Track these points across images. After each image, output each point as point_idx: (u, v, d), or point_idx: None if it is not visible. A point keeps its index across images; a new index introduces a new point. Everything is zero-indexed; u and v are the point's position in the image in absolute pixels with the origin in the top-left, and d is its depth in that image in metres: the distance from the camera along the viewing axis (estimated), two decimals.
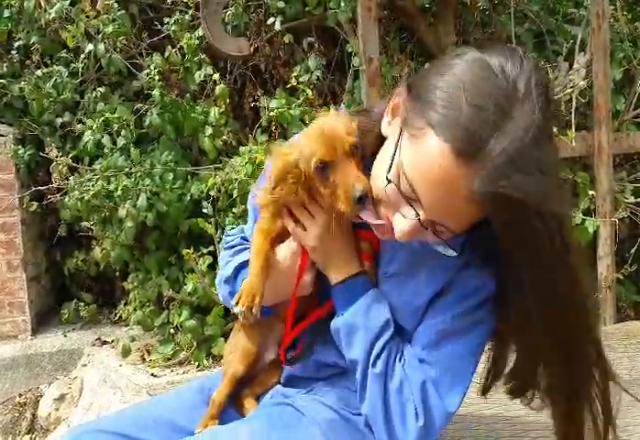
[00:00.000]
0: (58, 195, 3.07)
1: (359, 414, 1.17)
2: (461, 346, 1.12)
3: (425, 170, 0.93)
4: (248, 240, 1.35)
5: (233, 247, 1.37)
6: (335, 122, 1.09)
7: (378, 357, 1.12)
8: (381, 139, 1.08)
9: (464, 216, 0.97)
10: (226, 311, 2.68)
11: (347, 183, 1.02)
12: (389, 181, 0.98)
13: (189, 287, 2.69)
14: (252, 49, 3.22)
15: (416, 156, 0.95)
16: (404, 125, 0.98)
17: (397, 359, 1.13)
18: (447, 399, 1.10)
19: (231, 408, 1.30)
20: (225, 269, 1.30)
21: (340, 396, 1.23)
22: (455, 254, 1.03)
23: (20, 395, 3.00)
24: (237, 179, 2.74)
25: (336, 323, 1.15)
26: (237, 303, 1.11)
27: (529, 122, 0.89)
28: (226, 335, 2.65)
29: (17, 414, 2.93)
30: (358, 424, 1.18)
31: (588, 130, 2.95)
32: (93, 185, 2.93)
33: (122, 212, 2.86)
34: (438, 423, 1.10)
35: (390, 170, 0.98)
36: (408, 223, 0.99)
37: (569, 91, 2.79)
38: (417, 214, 0.97)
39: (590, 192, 2.90)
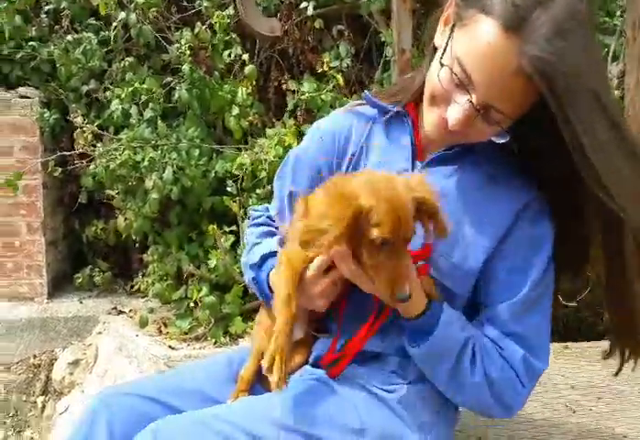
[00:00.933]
0: (84, 162, 3.12)
1: (391, 392, 1.22)
2: (543, 308, 1.20)
3: (476, 48, 1.04)
4: (273, 220, 1.40)
5: (260, 224, 1.41)
6: (402, 187, 1.04)
7: (471, 370, 1.16)
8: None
9: (515, 95, 1.05)
10: (245, 291, 2.76)
11: (395, 279, 1.04)
12: (442, 65, 1.07)
13: (212, 263, 2.75)
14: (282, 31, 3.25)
15: (467, 39, 1.06)
16: (457, 20, 1.08)
17: (489, 356, 1.17)
18: (543, 360, 1.19)
19: (259, 385, 1.33)
20: (251, 254, 1.34)
21: (372, 375, 1.24)
22: (507, 139, 1.10)
23: (35, 357, 3.09)
24: (266, 160, 2.79)
25: (411, 351, 1.18)
26: (268, 369, 1.08)
27: (573, 2, 1.00)
28: (244, 315, 2.73)
29: (32, 375, 3.02)
30: (389, 401, 1.21)
31: None
32: (119, 154, 2.97)
33: (149, 183, 2.91)
34: (536, 382, 1.21)
35: (443, 56, 1.08)
36: (462, 108, 1.08)
37: None
38: (470, 98, 1.05)
39: None
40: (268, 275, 1.26)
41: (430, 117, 1.17)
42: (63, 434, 2.61)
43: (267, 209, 1.44)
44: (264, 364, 1.08)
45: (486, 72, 1.03)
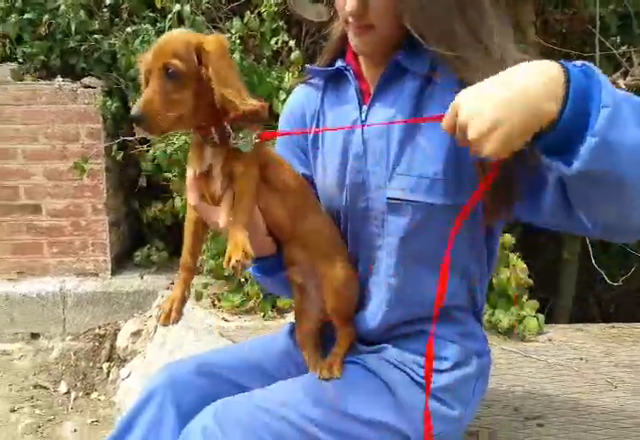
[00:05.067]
0: (143, 146, 3.32)
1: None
2: None
3: None
4: None
5: None
6: (180, 35, 1.06)
7: None
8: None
9: None
10: None
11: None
12: None
13: None
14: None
15: None
16: None
17: None
18: None
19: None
20: None
21: (410, 358, 1.27)
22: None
23: (100, 327, 3.34)
24: None
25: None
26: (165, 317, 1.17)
27: None
28: None
29: (97, 344, 3.27)
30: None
31: None
32: (176, 139, 3.16)
33: None
34: None
35: None
36: None
37: None
38: None
39: None
40: None
41: (348, 33, 1.23)
42: (128, 403, 2.84)
43: None
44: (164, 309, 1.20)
45: None
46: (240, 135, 1.12)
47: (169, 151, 3.16)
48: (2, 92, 3.42)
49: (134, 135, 3.38)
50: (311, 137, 1.38)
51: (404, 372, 1.26)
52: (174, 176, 3.27)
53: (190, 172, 1.19)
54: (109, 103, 3.43)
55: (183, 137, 3.14)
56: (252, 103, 1.10)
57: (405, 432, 1.21)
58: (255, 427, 1.12)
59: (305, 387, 1.22)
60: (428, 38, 1.12)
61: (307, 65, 1.41)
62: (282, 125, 1.45)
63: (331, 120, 1.33)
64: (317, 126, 1.36)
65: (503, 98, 0.84)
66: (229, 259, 1.05)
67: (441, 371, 1.26)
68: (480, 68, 1.06)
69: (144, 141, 3.37)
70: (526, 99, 0.83)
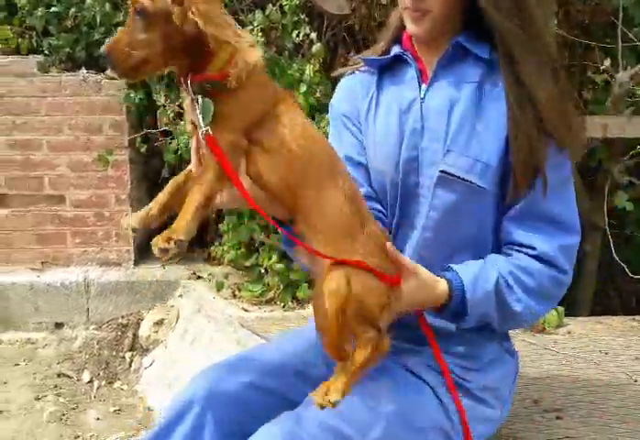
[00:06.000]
0: (167, 138, 3.36)
1: (468, 380, 1.28)
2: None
3: None
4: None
5: None
6: None
7: (516, 300, 1.25)
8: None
9: None
10: None
11: None
12: None
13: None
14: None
15: None
16: None
17: (523, 272, 1.25)
18: (574, 232, 1.27)
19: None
20: None
21: (453, 362, 1.29)
22: None
23: (123, 317, 3.39)
24: None
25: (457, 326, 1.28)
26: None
27: None
28: (309, 282, 2.92)
29: (120, 333, 3.32)
30: (469, 389, 1.27)
31: None
32: None
33: None
34: (575, 257, 1.30)
35: None
36: None
37: None
38: None
39: None
40: None
41: (405, 21, 1.29)
42: (150, 392, 2.88)
43: None
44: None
45: None
46: (200, 100, 1.08)
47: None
48: (28, 84, 3.47)
49: (156, 127, 3.42)
50: (364, 116, 1.40)
51: (412, 373, 1.29)
52: None
53: (189, 128, 1.18)
54: (133, 95, 3.46)
55: None
56: (249, 40, 1.10)
57: (453, 437, 1.24)
58: None
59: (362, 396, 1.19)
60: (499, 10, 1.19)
61: (359, 56, 1.46)
62: (340, 104, 1.46)
63: (387, 100, 1.37)
64: (370, 107, 1.39)
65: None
66: (156, 243, 1.03)
67: (482, 371, 1.30)
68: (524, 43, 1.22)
69: (166, 134, 3.40)
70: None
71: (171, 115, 3.32)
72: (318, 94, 3.28)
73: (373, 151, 1.37)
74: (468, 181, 1.24)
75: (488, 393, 1.29)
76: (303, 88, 3.24)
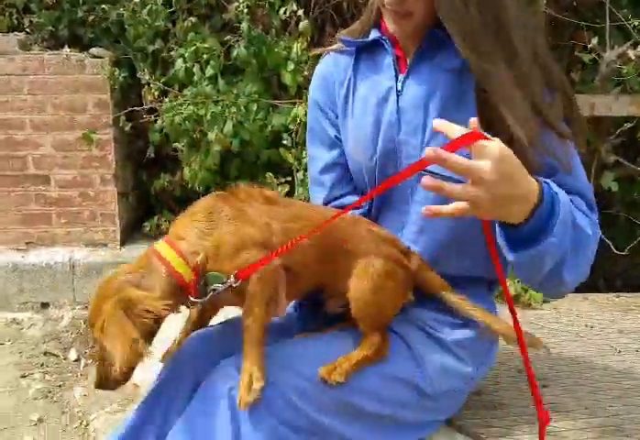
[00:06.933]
0: (152, 116, 3.33)
1: (447, 333, 1.28)
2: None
3: None
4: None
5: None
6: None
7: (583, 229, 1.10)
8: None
9: None
10: None
11: None
12: None
13: None
14: None
15: None
16: None
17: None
18: (595, 211, 1.20)
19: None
20: None
21: (429, 316, 1.30)
22: None
23: None
24: None
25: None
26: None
27: None
28: None
29: None
30: (443, 342, 1.28)
31: None
32: (184, 109, 3.16)
33: (211, 136, 3.11)
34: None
35: None
36: None
37: None
38: None
39: None
40: None
41: (385, 18, 1.25)
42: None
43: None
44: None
45: None
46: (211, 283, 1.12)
47: (177, 121, 3.17)
48: (9, 62, 3.42)
49: (141, 105, 3.38)
50: (341, 104, 1.38)
51: (423, 330, 1.29)
52: (183, 146, 3.28)
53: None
54: (117, 73, 3.42)
55: (190, 107, 3.14)
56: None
57: (422, 388, 1.24)
58: (280, 385, 1.12)
59: (329, 342, 1.23)
60: (454, 34, 1.13)
61: (339, 35, 1.40)
62: (314, 92, 1.45)
63: (364, 89, 1.33)
64: (348, 94, 1.36)
65: (514, 194, 0.96)
66: (240, 402, 1.07)
67: (456, 326, 1.30)
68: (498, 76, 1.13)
69: (151, 111, 3.37)
70: (518, 205, 0.98)
71: (156, 92, 3.29)
72: (306, 73, 3.26)
73: (352, 142, 1.35)
74: (449, 177, 1.13)
75: (463, 351, 1.28)
76: (291, 66, 3.22)
